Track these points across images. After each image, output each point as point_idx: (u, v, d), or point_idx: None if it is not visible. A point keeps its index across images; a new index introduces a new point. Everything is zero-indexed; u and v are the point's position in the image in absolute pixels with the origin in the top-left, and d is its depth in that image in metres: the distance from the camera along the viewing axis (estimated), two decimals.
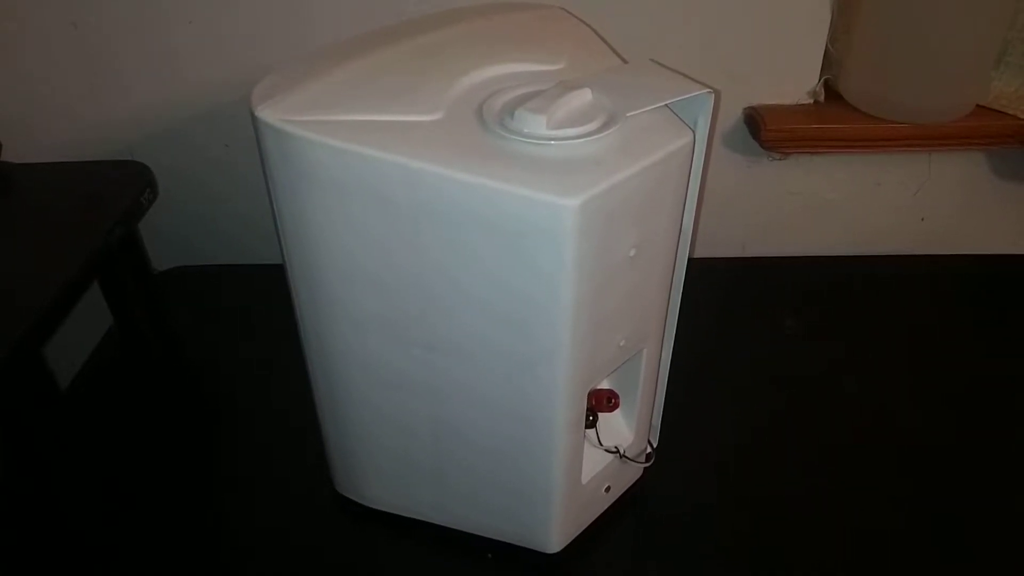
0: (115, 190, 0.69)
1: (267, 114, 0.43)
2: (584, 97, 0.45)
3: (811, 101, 0.81)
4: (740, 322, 0.79)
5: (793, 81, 0.80)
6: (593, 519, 0.58)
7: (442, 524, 0.57)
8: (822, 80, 0.80)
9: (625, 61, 0.52)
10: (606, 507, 0.59)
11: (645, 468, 0.60)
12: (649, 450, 0.60)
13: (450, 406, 0.50)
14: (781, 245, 0.89)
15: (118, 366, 0.75)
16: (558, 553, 0.56)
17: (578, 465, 0.52)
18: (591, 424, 0.54)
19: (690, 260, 0.54)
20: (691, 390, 0.66)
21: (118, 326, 0.75)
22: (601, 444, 0.55)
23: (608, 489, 0.57)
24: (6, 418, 0.56)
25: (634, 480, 0.61)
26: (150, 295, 0.75)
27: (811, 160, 0.84)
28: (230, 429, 0.69)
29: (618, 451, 0.55)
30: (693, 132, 0.45)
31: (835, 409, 0.69)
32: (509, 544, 0.56)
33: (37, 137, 0.79)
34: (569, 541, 0.56)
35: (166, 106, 0.79)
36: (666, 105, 0.46)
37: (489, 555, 0.57)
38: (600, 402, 0.54)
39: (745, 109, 0.81)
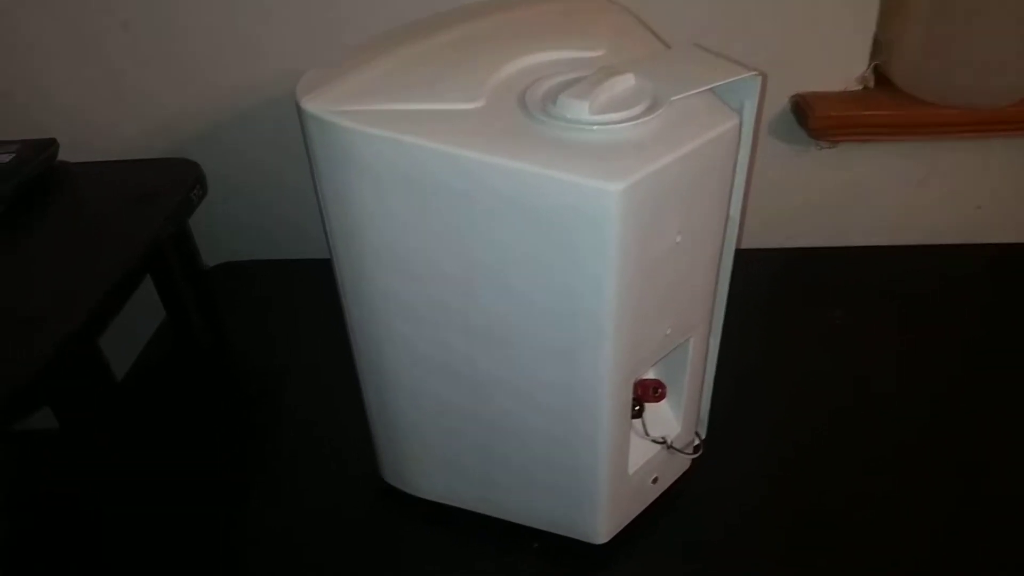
0: (166, 187, 0.71)
1: (312, 105, 0.44)
2: (627, 82, 0.44)
3: (860, 87, 0.79)
4: (789, 313, 0.78)
5: (841, 67, 0.78)
6: (641, 510, 0.57)
7: (488, 514, 0.57)
8: (871, 65, 0.78)
9: (668, 47, 0.52)
10: (654, 498, 0.58)
11: (693, 459, 0.60)
12: (697, 441, 0.60)
13: (496, 396, 0.50)
14: (830, 235, 0.87)
15: (171, 358, 0.77)
16: (605, 544, 0.56)
17: (624, 456, 0.52)
18: (637, 414, 0.53)
19: (736, 250, 0.53)
20: (739, 381, 0.65)
21: (170, 319, 0.77)
22: (648, 434, 0.54)
23: (656, 480, 0.57)
24: (64, 407, 0.58)
25: (682, 471, 0.60)
26: (200, 289, 0.77)
27: (861, 148, 0.82)
28: (278, 418, 0.70)
29: (665, 442, 0.55)
30: (739, 116, 0.45)
31: (887, 404, 0.67)
32: (556, 534, 0.56)
33: (93, 137, 0.81)
34: (616, 532, 0.56)
35: (217, 106, 0.81)
36: (711, 89, 0.46)
37: (535, 545, 0.56)
38: (646, 392, 0.53)
39: (792, 97, 0.80)
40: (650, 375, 0.55)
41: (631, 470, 0.53)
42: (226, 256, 0.89)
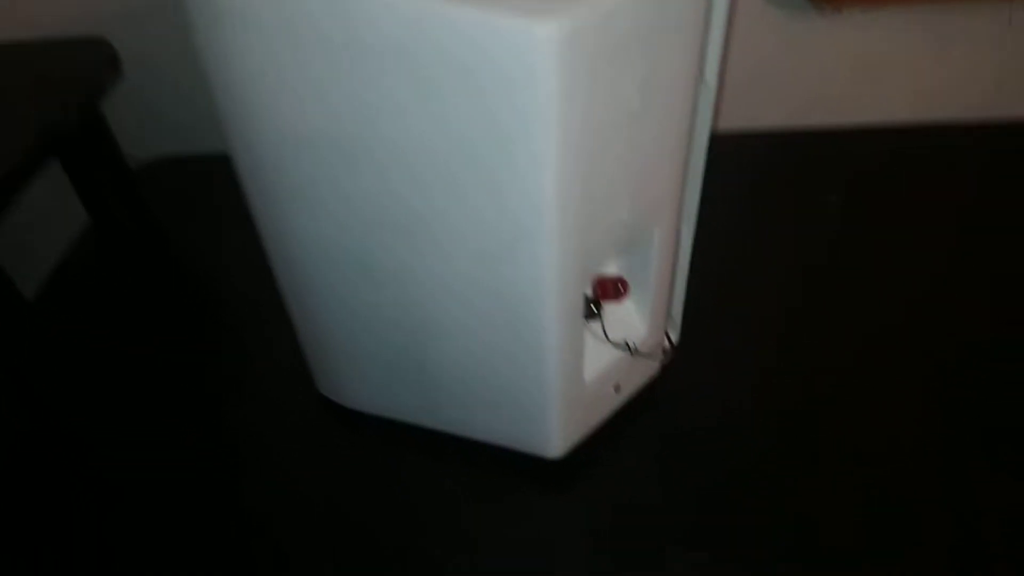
0: (74, 68, 0.63)
1: None
2: None
3: None
4: (781, 201, 0.70)
5: None
6: (601, 420, 0.51)
7: (434, 428, 0.52)
8: None
9: None
10: (617, 407, 0.52)
11: (663, 365, 0.54)
12: (667, 345, 0.53)
13: (425, 297, 0.43)
14: (831, 114, 0.78)
15: (96, 264, 0.70)
16: (562, 458, 0.50)
17: (578, 362, 0.45)
18: (595, 314, 0.46)
19: (723, 134, 0.46)
20: (720, 277, 0.59)
21: (94, 220, 0.70)
22: (608, 338, 0.48)
23: (618, 388, 0.50)
24: None
25: (650, 378, 0.54)
26: (127, 186, 0.69)
27: (868, 16, 0.73)
28: (216, 326, 0.64)
29: (628, 346, 0.48)
30: None
31: (885, 299, 0.60)
32: (509, 449, 0.51)
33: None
34: (573, 445, 0.50)
35: None
36: None
37: (486, 459, 0.51)
38: (606, 290, 0.46)
39: None
40: (612, 271, 0.48)
41: (587, 377, 0.47)
42: (158, 151, 0.80)
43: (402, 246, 0.40)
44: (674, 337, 0.54)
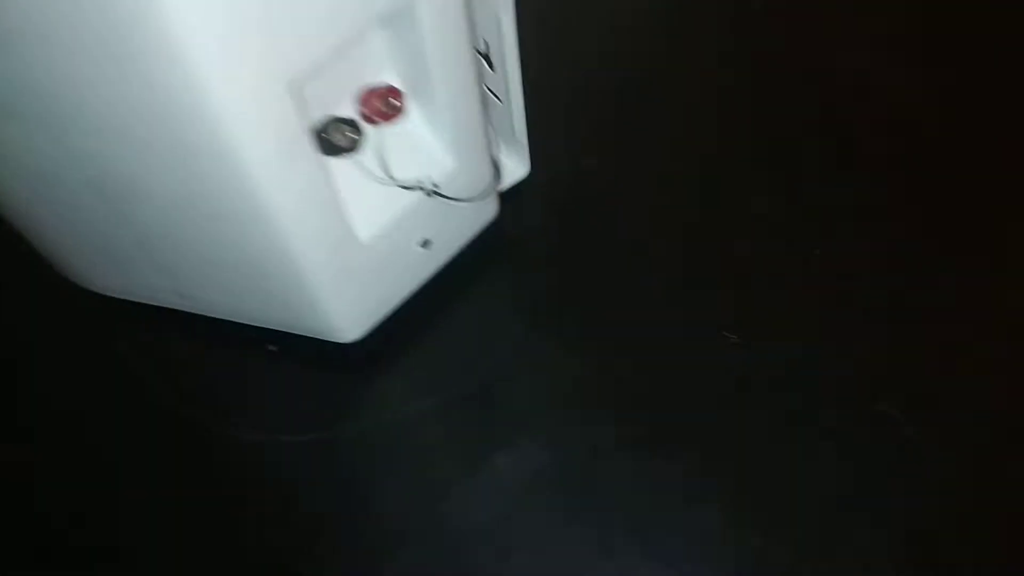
0: None
1: None
2: None
3: None
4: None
5: None
6: (414, 288, 0.39)
7: (197, 312, 0.39)
8: None
9: None
10: (435, 268, 0.39)
11: (500, 204, 0.40)
12: (498, 177, 0.39)
13: (79, 140, 0.29)
14: None
15: None
16: (365, 341, 0.38)
17: (330, 212, 0.32)
18: (353, 143, 0.32)
19: None
20: (582, 78, 0.44)
21: None
22: (390, 176, 0.34)
23: (427, 244, 0.37)
24: None
25: (487, 223, 0.40)
26: None
27: None
28: None
29: (423, 186, 0.34)
30: None
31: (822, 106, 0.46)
32: (297, 335, 0.38)
33: None
34: (373, 324, 0.38)
35: None
36: None
37: (270, 348, 0.39)
38: (371, 105, 0.32)
39: None
40: (390, 80, 0.33)
41: (363, 234, 0.33)
42: None
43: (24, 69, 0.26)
44: (516, 164, 0.40)
